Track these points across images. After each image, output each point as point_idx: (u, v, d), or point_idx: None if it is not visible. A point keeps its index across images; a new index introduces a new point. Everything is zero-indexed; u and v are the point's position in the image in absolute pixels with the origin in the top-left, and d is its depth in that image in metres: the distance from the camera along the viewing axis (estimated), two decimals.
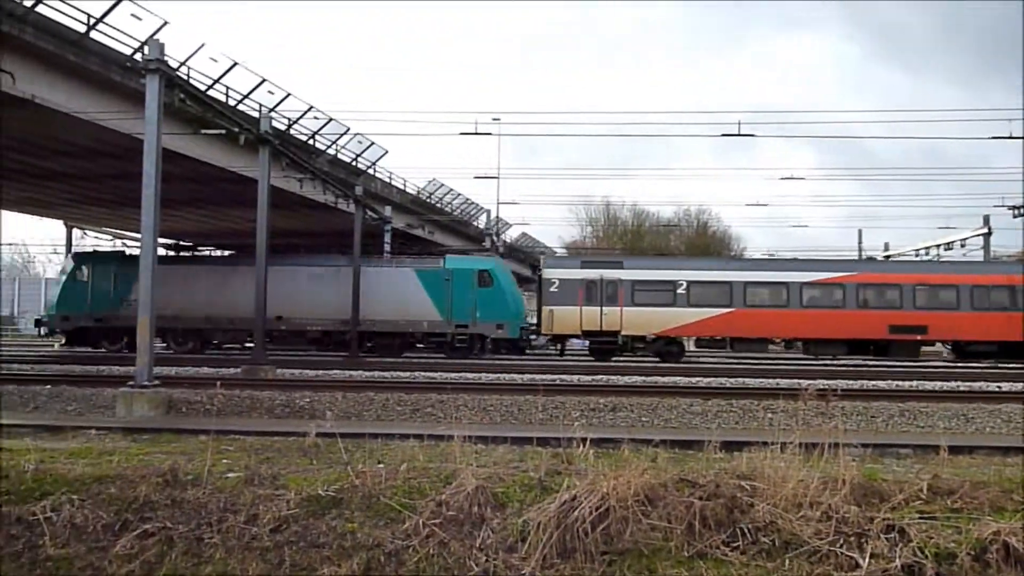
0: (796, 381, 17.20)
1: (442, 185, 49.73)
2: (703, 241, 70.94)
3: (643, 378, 20.37)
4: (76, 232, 48.52)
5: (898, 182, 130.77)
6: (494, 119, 47.78)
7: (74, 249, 45.72)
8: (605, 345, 31.15)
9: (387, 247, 38.26)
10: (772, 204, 52.21)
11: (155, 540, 6.96)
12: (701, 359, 33.00)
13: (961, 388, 18.24)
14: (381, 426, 12.49)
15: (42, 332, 36.73)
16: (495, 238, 51.94)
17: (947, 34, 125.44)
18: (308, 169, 28.16)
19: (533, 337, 33.82)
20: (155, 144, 15.73)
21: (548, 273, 31.60)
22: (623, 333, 30.50)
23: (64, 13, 21.09)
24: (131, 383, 14.99)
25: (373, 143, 37.79)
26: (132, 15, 21.75)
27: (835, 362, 31.96)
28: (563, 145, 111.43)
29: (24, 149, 26.14)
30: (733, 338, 31.21)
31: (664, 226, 70.64)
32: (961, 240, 44.61)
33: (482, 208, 54.09)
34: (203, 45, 24.87)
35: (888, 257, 50.37)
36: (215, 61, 26.12)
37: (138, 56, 20.66)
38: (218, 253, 46.28)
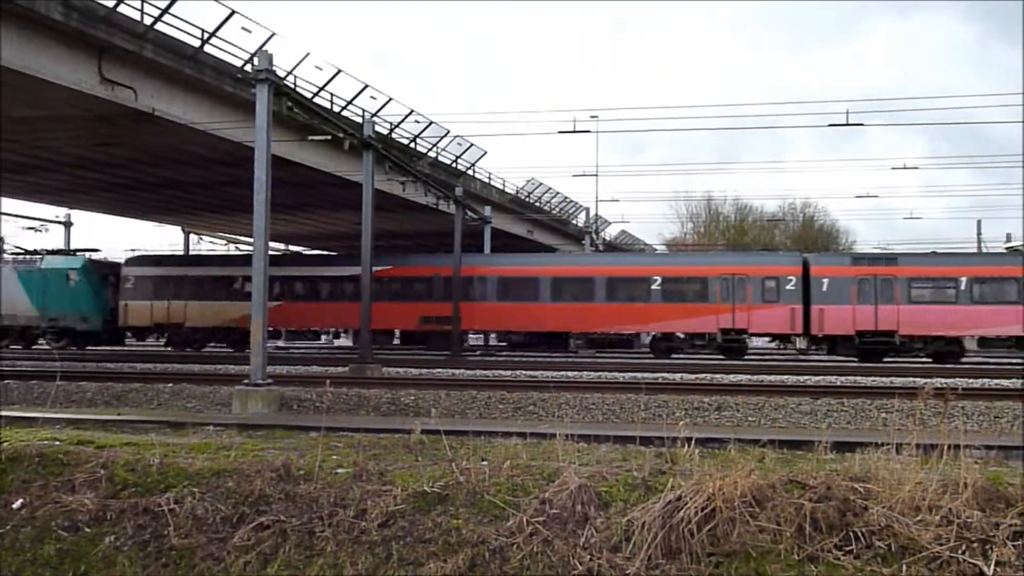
0: (911, 379, 16.50)
1: (540, 184, 49.86)
2: (809, 235, 68.84)
3: (748, 376, 19.91)
4: (193, 237, 50.82)
5: (1020, 169, 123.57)
6: (592, 116, 47.68)
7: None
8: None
9: (487, 246, 38.66)
10: (882, 196, 50.11)
11: (270, 533, 7.23)
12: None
13: None
14: (484, 424, 12.62)
15: None
16: (594, 236, 51.72)
17: None
18: (410, 172, 28.70)
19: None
20: (265, 151, 16.34)
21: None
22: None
23: (180, 29, 22.19)
24: (246, 381, 15.62)
25: (472, 144, 38.26)
26: (243, 28, 22.70)
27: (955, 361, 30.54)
28: (663, 140, 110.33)
29: (146, 160, 27.60)
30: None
31: (769, 220, 68.86)
32: None
33: (581, 206, 53.98)
34: (308, 54, 25.65)
35: None
36: (320, 69, 26.97)
37: (248, 67, 21.54)
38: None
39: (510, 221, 45.72)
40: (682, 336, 31.71)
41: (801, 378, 19.52)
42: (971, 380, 18.40)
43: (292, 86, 23.40)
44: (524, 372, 21.29)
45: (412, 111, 32.33)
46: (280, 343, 42.05)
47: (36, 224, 47.56)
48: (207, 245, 52.07)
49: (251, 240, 18.01)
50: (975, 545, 6.52)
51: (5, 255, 39.22)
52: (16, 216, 46.27)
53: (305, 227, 44.48)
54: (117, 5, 20.15)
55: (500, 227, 42.87)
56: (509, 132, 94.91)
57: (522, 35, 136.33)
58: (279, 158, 22.48)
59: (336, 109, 28.01)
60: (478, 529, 6.98)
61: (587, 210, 52.76)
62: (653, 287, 31.36)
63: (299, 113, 20.14)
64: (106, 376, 19.29)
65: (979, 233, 53.12)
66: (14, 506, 7.81)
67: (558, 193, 52.06)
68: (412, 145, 34.22)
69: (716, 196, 72.09)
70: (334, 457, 8.58)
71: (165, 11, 21.16)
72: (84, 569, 7.24)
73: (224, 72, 23.70)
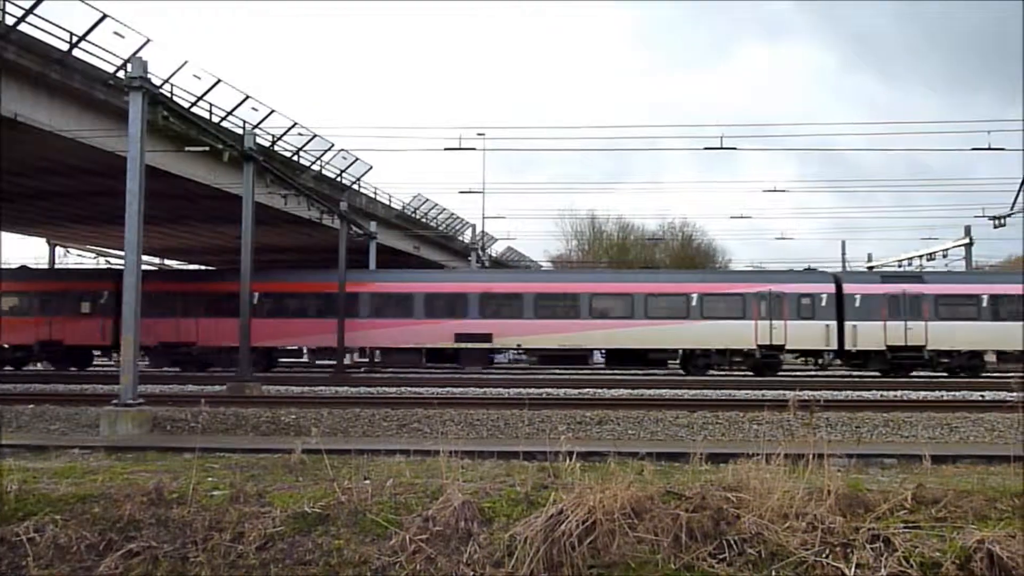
0: (782, 392, 17.25)
1: (427, 200, 49.80)
2: (687, 254, 71.27)
3: (629, 391, 20.39)
4: (59, 250, 48.22)
5: (881, 193, 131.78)
6: (479, 134, 48.00)
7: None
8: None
9: (372, 262, 38.26)
10: (755, 216, 52.90)
11: (140, 560, 6.91)
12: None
13: (945, 398, 18.35)
14: (368, 442, 12.45)
15: None
16: (480, 252, 52.01)
17: (925, 43, 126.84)
18: (292, 185, 28.14)
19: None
20: (139, 161, 15.68)
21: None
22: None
23: (48, 32, 21.07)
24: (115, 401, 14.88)
25: (357, 159, 37.87)
26: (115, 33, 21.77)
27: (822, 373, 32.15)
28: (548, 159, 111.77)
29: (8, 168, 26.02)
30: None
31: (649, 239, 70.91)
32: (943, 250, 45.03)
33: (467, 223, 54.20)
34: (186, 62, 24.86)
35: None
36: (198, 78, 26.16)
37: (121, 74, 20.67)
38: None
39: (396, 237, 45.42)
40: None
41: (679, 392, 20.13)
42: (836, 392, 19.42)
43: (169, 95, 22.58)
44: (409, 389, 21.14)
45: (295, 123, 31.80)
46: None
47: None
48: (74, 258, 49.51)
49: (123, 254, 17.23)
50: (837, 549, 6.87)
51: None
52: None
53: (184, 241, 42.93)
54: None
55: (386, 243, 42.51)
56: (396, 148, 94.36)
57: (411, 50, 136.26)
58: (154, 169, 21.63)
59: (216, 120, 27.22)
60: (360, 549, 6.88)
61: (473, 226, 53.05)
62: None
63: (176, 123, 19.44)
64: None
65: (843, 253, 56.38)
66: None
67: (444, 209, 52.13)
68: (295, 158, 33.59)
69: (600, 214, 73.73)
70: (210, 479, 8.29)
71: (30, 11, 20.10)
72: None
73: (95, 78, 22.63)
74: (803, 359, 34.19)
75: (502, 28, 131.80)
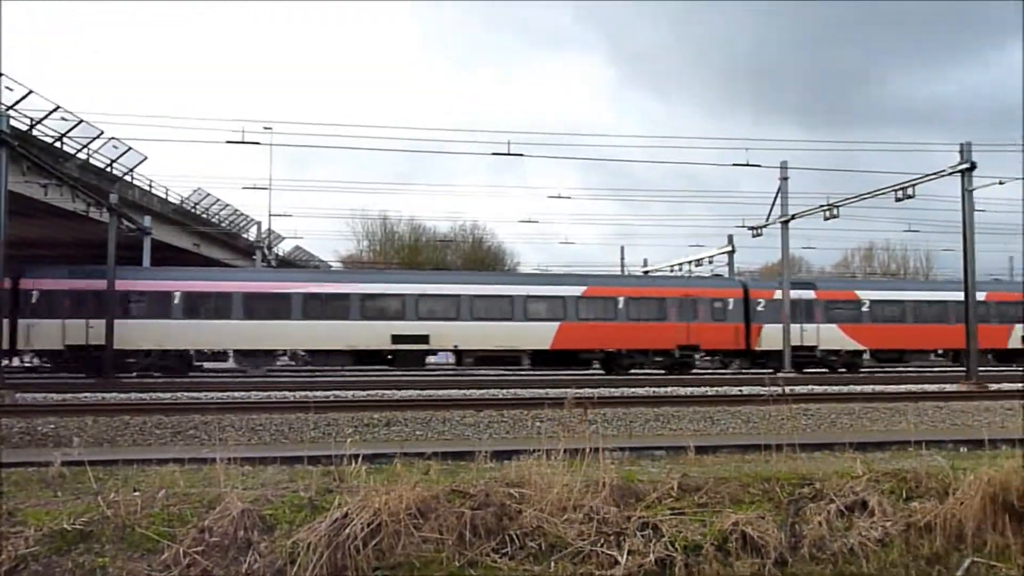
0: (564, 390, 17.95)
1: (208, 195, 47.42)
2: (478, 256, 72.59)
3: (419, 392, 20.47)
4: None
5: (656, 202, 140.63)
6: (265, 128, 46.32)
7: None
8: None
9: (146, 259, 35.89)
10: (542, 221, 54.88)
11: None
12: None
13: (709, 393, 19.89)
14: (138, 451, 11.65)
15: None
16: (267, 251, 50.21)
17: (695, 65, 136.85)
18: (54, 174, 25.84)
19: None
20: None
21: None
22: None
23: None
24: None
25: (130, 148, 35.31)
26: None
27: (598, 372, 33.82)
28: (338, 157, 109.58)
29: None
30: None
31: (441, 241, 71.54)
32: (709, 257, 48.78)
33: (253, 220, 52.12)
34: None
35: None
36: None
37: None
38: None
39: (174, 233, 42.87)
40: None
41: (468, 392, 20.46)
42: (612, 389, 20.51)
43: None
44: (186, 394, 20.02)
45: (58, 107, 29.18)
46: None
47: None
48: None
49: None
50: (611, 537, 7.28)
51: None
52: None
53: None
54: None
55: (163, 239, 40.04)
56: (174, 139, 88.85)
57: (191, 37, 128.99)
58: None
59: None
60: (127, 566, 6.44)
61: (259, 224, 51.07)
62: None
63: None
64: None
65: (623, 258, 59.76)
66: None
67: (228, 205, 49.84)
68: (58, 145, 30.85)
69: (392, 215, 73.41)
70: None
71: None
72: None
73: None
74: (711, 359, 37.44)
75: (295, 21, 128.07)
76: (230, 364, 33.80)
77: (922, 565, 7.75)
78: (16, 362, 31.47)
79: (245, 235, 52.77)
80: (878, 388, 21.56)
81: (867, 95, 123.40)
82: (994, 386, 22.24)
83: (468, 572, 6.85)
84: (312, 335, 30.86)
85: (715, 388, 21.60)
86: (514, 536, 7.11)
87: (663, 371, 33.08)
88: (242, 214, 51.87)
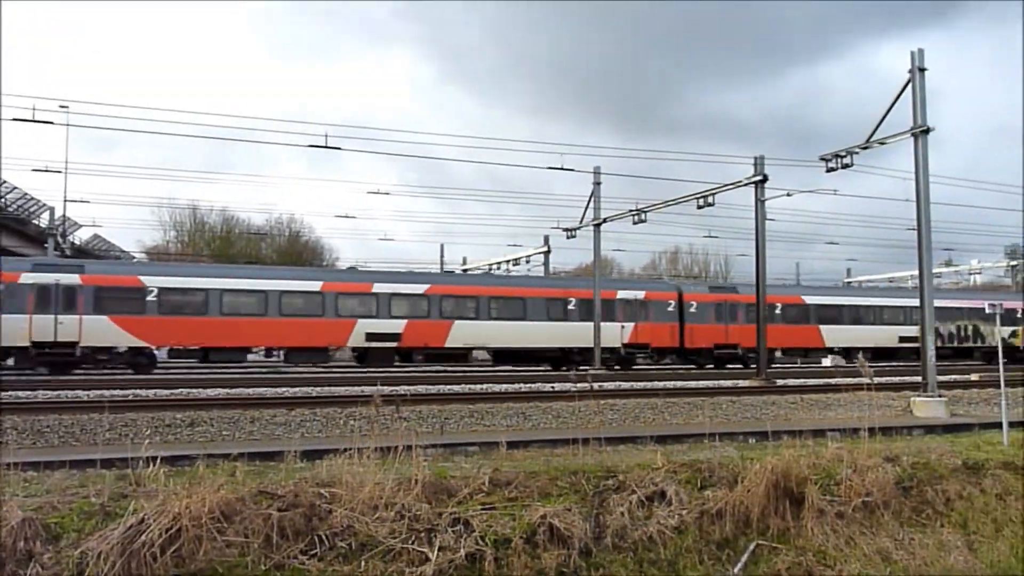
0: (379, 388, 17.80)
1: None
2: (295, 250, 70.53)
3: (226, 391, 19.64)
4: None
5: (473, 202, 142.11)
6: (61, 106, 42.79)
7: None
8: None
9: None
10: (360, 217, 53.92)
11: None
12: None
13: (522, 390, 20.35)
14: None
15: None
16: (60, 239, 46.41)
17: (515, 67, 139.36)
18: None
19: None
20: None
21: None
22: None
23: None
24: None
25: None
26: None
27: (418, 370, 33.80)
28: (143, 142, 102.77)
29: None
30: None
31: (255, 233, 68.89)
32: (526, 256, 49.91)
33: (45, 205, 47.99)
34: None
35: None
36: None
37: None
38: None
39: None
40: None
41: (279, 390, 19.84)
42: (429, 387, 20.55)
43: None
44: None
45: None
46: None
47: None
48: None
49: None
50: (423, 535, 7.29)
51: None
52: None
53: None
54: None
55: None
56: None
57: None
58: None
59: None
60: None
61: (52, 210, 47.09)
62: None
63: None
64: None
65: (442, 256, 59.96)
66: None
67: (15, 188, 45.67)
68: None
69: (202, 205, 69.84)
70: None
71: None
72: None
73: None
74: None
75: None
76: None
77: (713, 549, 8.30)
78: None
79: (36, 221, 48.53)
80: (679, 384, 22.85)
81: (676, 107, 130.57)
82: (780, 382, 24.17)
83: (274, 575, 6.65)
84: None
85: (528, 385, 22.12)
86: (324, 537, 6.98)
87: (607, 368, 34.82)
88: (33, 199, 47.68)
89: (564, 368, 33.23)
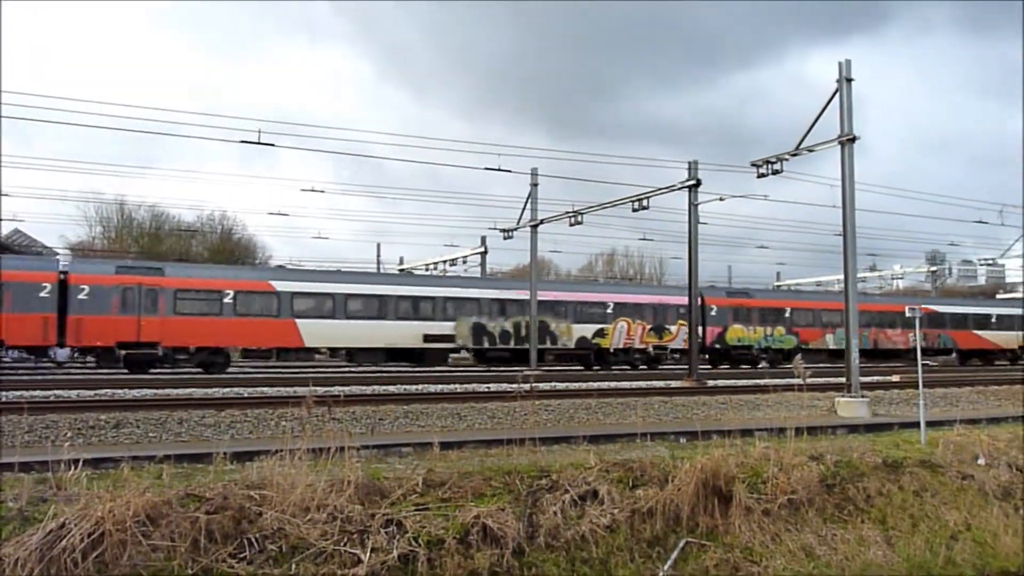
0: (313, 388, 17.58)
1: None
2: (227, 247, 69.08)
3: (154, 391, 19.15)
4: None
5: (409, 201, 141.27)
6: None
7: None
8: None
9: None
10: (293, 215, 53.26)
11: None
12: None
13: (458, 390, 20.30)
14: None
15: None
16: None
17: (452, 67, 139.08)
18: None
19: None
20: None
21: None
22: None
23: None
24: None
25: None
26: None
27: (352, 370, 33.46)
28: (64, 134, 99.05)
29: None
30: None
31: (185, 230, 67.24)
32: (463, 257, 49.81)
33: None
34: None
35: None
36: None
37: None
38: None
39: None
40: None
41: (209, 391, 19.43)
42: (363, 387, 20.37)
43: None
44: None
45: None
46: None
47: None
48: None
49: None
50: (355, 536, 7.23)
51: None
52: None
53: None
54: None
55: None
56: None
57: None
58: None
59: None
60: None
61: None
62: None
63: None
64: None
65: (379, 255, 59.43)
66: None
67: None
68: None
69: (131, 201, 67.86)
70: None
71: None
72: None
73: None
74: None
75: None
76: None
77: (644, 547, 8.43)
78: None
79: None
80: (613, 384, 23.08)
81: (612, 109, 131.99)
82: (711, 382, 24.61)
83: None
84: None
85: (463, 385, 22.09)
86: (253, 540, 6.87)
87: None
88: None
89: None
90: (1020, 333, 48.63)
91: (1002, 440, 12.49)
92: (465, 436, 12.45)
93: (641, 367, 37.91)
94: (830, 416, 16.66)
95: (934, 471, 11.11)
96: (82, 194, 64.98)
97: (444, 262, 51.20)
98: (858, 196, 18.96)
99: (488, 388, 20.81)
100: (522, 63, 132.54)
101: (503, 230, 37.65)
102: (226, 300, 30.45)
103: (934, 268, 66.39)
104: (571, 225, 33.15)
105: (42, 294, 27.22)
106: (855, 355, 18.49)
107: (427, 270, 51.01)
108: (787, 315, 41.45)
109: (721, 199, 27.67)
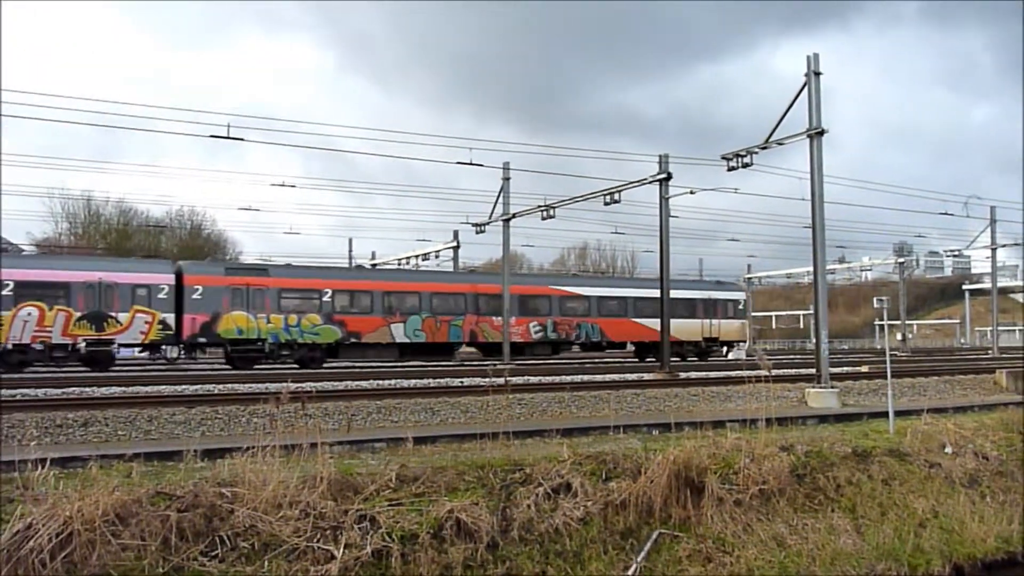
0: (284, 384, 17.46)
1: None
2: (196, 243, 68.37)
3: (123, 389, 18.92)
4: None
5: (379, 195, 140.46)
6: None
7: None
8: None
9: None
10: (263, 210, 52.86)
11: None
12: None
13: (431, 385, 20.25)
14: None
15: None
16: None
17: (418, 58, 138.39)
18: None
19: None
20: None
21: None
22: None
23: None
24: None
25: None
26: None
27: (326, 367, 33.27)
28: (28, 129, 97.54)
29: None
30: None
31: (154, 226, 66.46)
32: (436, 251, 49.63)
33: None
34: None
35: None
36: None
37: None
38: None
39: None
40: None
41: (179, 388, 19.24)
42: (336, 383, 20.26)
43: None
44: None
45: None
46: None
47: None
48: None
49: None
50: (328, 532, 7.20)
51: None
52: None
53: None
54: None
55: None
56: None
57: None
58: None
59: None
60: None
61: None
62: None
63: None
64: None
65: (351, 250, 59.02)
66: None
67: None
68: None
69: (97, 196, 66.87)
70: None
71: None
72: None
73: None
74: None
75: None
76: None
77: (617, 539, 8.48)
78: None
79: None
80: (586, 378, 23.15)
81: (583, 101, 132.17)
82: (684, 375, 24.76)
83: None
84: None
85: (437, 380, 22.06)
86: (225, 537, 6.82)
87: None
88: None
89: None
90: (704, 322, 41.48)
91: (968, 428, 12.72)
92: (439, 431, 12.45)
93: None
94: (800, 407, 16.84)
95: (902, 460, 11.28)
96: (48, 190, 63.75)
97: (416, 256, 50.99)
98: (827, 188, 19.19)
99: (462, 383, 20.78)
100: (489, 54, 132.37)
101: (475, 224, 37.53)
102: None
103: (901, 260, 67.17)
104: (543, 219, 33.14)
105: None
106: (824, 346, 18.71)
107: (399, 265, 50.78)
108: (327, 298, 32.76)
109: (692, 192, 27.88)
